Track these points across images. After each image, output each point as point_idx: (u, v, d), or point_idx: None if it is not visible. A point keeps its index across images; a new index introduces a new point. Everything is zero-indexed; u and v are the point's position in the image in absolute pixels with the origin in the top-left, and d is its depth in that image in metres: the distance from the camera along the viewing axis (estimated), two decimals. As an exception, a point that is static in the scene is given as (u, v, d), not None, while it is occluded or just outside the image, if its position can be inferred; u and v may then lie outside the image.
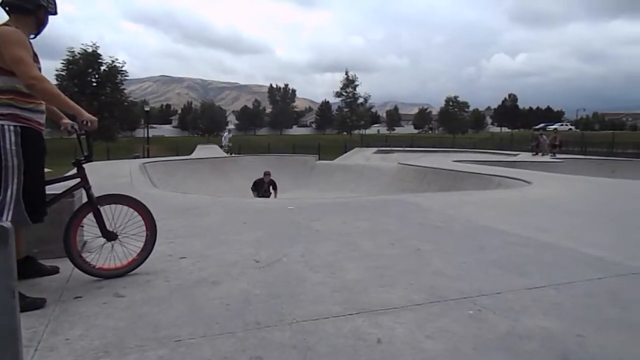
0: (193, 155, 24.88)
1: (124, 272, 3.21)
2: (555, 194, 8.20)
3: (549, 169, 16.48)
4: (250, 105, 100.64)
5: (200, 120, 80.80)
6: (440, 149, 32.88)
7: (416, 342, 2.27)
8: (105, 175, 10.90)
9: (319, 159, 23.31)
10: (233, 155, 25.26)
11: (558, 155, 24.43)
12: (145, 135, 38.03)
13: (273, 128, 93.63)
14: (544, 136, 26.39)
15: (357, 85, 72.61)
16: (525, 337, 2.36)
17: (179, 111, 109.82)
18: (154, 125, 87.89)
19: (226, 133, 31.19)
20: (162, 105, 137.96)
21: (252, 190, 13.48)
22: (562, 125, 75.81)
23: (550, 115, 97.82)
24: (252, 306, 2.71)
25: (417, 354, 2.15)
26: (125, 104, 44.60)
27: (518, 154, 25.90)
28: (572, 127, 75.54)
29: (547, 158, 23.12)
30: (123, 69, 42.06)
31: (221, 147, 28.35)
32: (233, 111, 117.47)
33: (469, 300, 2.84)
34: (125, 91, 44.51)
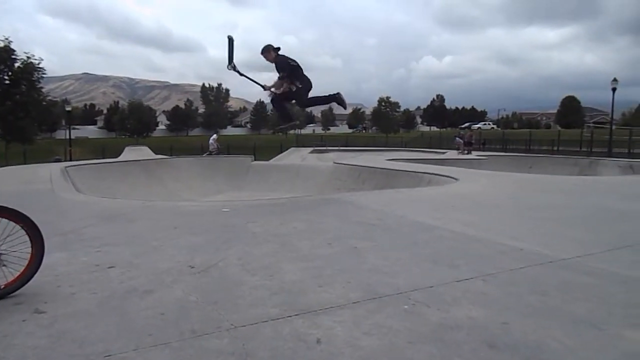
0: (121, 158, 23.70)
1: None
2: (480, 189, 8.69)
3: (474, 166, 17.45)
4: (182, 105, 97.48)
5: (128, 120, 77.04)
6: (374, 148, 33.75)
7: (354, 340, 2.31)
8: (21, 181, 10.09)
9: (255, 160, 23.05)
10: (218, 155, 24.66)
11: (482, 152, 25.99)
12: (67, 137, 35.66)
13: (206, 128, 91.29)
14: (458, 138, 28.20)
15: (292, 85, 72.68)
16: (456, 327, 2.47)
17: (105, 111, 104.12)
18: (77, 126, 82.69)
19: (215, 135, 29.63)
20: (85, 104, 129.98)
21: None
22: (485, 124, 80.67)
23: (475, 114, 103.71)
24: (188, 314, 2.62)
25: (355, 352, 2.19)
26: (44, 103, 41.42)
27: (446, 152, 27.22)
28: (494, 126, 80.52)
29: (469, 155, 24.54)
30: (40, 65, 39.04)
31: (209, 152, 26.45)
32: (164, 111, 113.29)
33: (403, 295, 2.93)
34: (44, 90, 41.33)
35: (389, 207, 6.53)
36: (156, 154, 27.35)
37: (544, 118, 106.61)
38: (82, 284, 3.12)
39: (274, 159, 27.85)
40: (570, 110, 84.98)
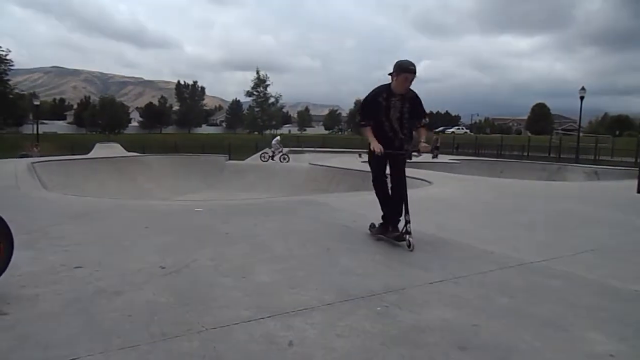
0: (91, 155, 23.13)
1: None
2: (453, 193, 8.83)
3: (447, 170, 17.72)
4: (155, 102, 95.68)
5: (99, 116, 75.15)
6: (350, 150, 33.88)
7: (327, 342, 2.31)
8: (-15, 176, 9.71)
9: (230, 159, 22.85)
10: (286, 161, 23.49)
11: (455, 157, 26.47)
12: (35, 132, 34.55)
13: (181, 126, 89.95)
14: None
15: (269, 84, 72.45)
16: (428, 329, 2.50)
17: (75, 106, 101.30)
18: (45, 121, 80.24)
19: (278, 137, 28.41)
20: (54, 99, 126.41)
21: None
22: (459, 128, 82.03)
23: (449, 119, 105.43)
24: (158, 316, 2.57)
25: (328, 354, 2.19)
26: (11, 96, 40.02)
27: (421, 155, 27.55)
28: (468, 131, 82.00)
29: (442, 159, 24.97)
30: (7, 57, 37.75)
31: (272, 156, 25.00)
32: (137, 108, 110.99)
33: (377, 297, 2.95)
34: (10, 82, 39.94)
35: (364, 209, 6.55)
36: (128, 151, 26.78)
37: (515, 124, 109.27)
38: (48, 285, 3.02)
39: (249, 158, 27.66)
40: (540, 117, 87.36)
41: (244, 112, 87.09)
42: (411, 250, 4.08)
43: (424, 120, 4.61)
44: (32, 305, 2.68)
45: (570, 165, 25.27)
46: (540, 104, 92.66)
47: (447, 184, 10.32)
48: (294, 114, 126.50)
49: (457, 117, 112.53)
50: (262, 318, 2.57)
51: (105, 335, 2.31)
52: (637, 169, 11.58)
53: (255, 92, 72.09)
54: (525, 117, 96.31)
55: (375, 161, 4.59)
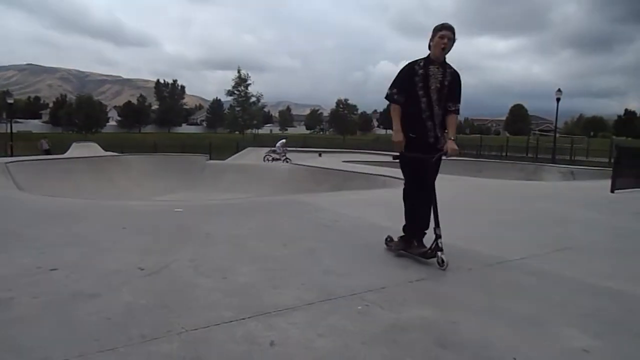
0: (68, 154, 22.64)
1: None
2: (433, 192, 8.92)
3: (427, 169, 17.89)
4: (134, 101, 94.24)
5: (75, 115, 73.62)
6: (331, 150, 33.92)
7: (308, 342, 2.31)
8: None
9: (210, 159, 22.62)
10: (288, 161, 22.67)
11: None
12: (9, 131, 33.66)
13: (160, 126, 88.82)
14: None
15: (250, 84, 71.97)
16: (408, 327, 2.52)
17: (51, 105, 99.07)
18: (20, 120, 78.32)
19: (284, 140, 27.96)
20: (29, 97, 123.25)
21: None
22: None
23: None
24: (137, 318, 2.53)
25: (309, 353, 2.19)
26: (-18, 94, 38.89)
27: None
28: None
29: None
30: (-21, 54, 36.65)
31: (277, 159, 24.64)
32: (115, 106, 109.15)
33: (357, 297, 2.97)
34: (-18, 80, 38.84)
35: (345, 208, 6.59)
36: (106, 151, 26.28)
37: (494, 124, 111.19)
38: (22, 288, 2.95)
39: (230, 158, 27.44)
40: (518, 117, 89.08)
41: (225, 112, 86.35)
42: (444, 269, 3.54)
43: (457, 105, 3.80)
44: (7, 309, 2.61)
45: (547, 165, 25.79)
46: (518, 105, 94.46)
47: (427, 183, 10.43)
48: (275, 113, 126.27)
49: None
50: (244, 318, 2.56)
51: (82, 339, 2.26)
52: (611, 169, 11.89)
53: (236, 92, 71.55)
54: (504, 118, 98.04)
55: (406, 163, 3.86)
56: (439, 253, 3.60)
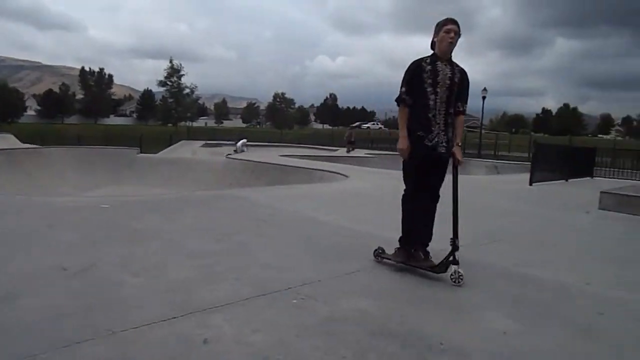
0: (-22, 146, 20.72)
1: None
2: (368, 186, 9.16)
3: (363, 164, 18.30)
4: (56, 89, 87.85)
5: (-12, 103, 67.48)
6: (268, 144, 33.69)
7: (244, 337, 2.29)
8: None
9: (141, 152, 21.67)
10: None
11: (370, 151, 27.40)
12: None
13: (85, 116, 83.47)
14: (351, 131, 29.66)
15: (183, 75, 69.67)
16: (343, 319, 2.57)
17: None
18: None
19: (244, 140, 27.05)
20: None
21: None
22: (374, 124, 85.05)
23: (365, 114, 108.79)
24: (60, 322, 2.38)
25: (244, 349, 2.17)
26: None
27: (337, 150, 28.17)
28: (382, 126, 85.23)
29: (357, 153, 25.78)
30: None
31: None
32: (34, 95, 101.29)
33: (293, 290, 2.98)
34: None
35: (282, 202, 6.58)
36: (24, 142, 24.33)
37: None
38: None
39: (162, 152, 26.42)
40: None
41: (157, 103, 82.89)
42: (460, 285, 3.23)
43: (465, 106, 3.63)
44: None
45: (474, 160, 27.24)
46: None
47: (362, 177, 10.67)
48: (210, 106, 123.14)
49: (373, 113, 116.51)
50: (176, 317, 2.48)
51: (-5, 346, 2.09)
52: (530, 163, 12.80)
53: (168, 82, 68.99)
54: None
55: (410, 165, 3.57)
56: (455, 267, 3.28)
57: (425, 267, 3.48)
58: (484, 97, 33.45)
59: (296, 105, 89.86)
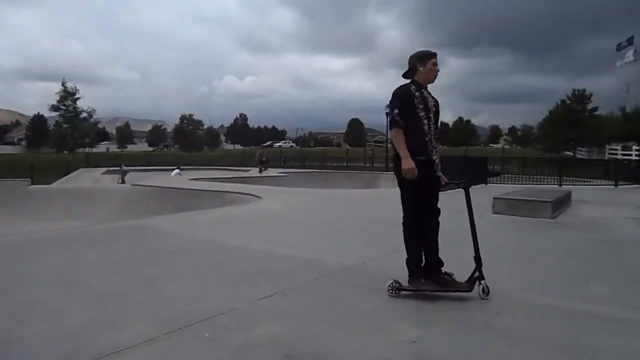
0: None
1: None
2: (281, 206, 9.18)
3: (276, 183, 18.34)
4: None
5: None
6: (176, 167, 32.49)
7: (152, 380, 2.17)
8: None
9: (32, 184, 19.74)
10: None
11: (283, 170, 27.58)
12: None
13: (-36, 146, 74.35)
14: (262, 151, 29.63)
15: (79, 97, 64.91)
16: (257, 346, 2.55)
17: None
18: None
19: (178, 170, 26.10)
20: None
21: None
22: (285, 142, 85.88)
23: (276, 133, 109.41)
24: None
25: (154, 393, 2.06)
26: None
27: (250, 170, 27.97)
28: (294, 144, 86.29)
29: (269, 173, 25.85)
30: None
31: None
32: None
33: (206, 322, 2.88)
34: None
35: (192, 230, 6.38)
36: None
37: (336, 137, 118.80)
38: None
39: (58, 181, 24.33)
40: (356, 130, 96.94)
41: (50, 129, 76.22)
42: (488, 299, 3.36)
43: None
44: None
45: (381, 174, 28.56)
46: (355, 119, 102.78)
47: (275, 197, 10.68)
48: (112, 130, 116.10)
49: (284, 132, 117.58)
50: (75, 367, 2.29)
51: None
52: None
53: (62, 107, 63.84)
54: (344, 131, 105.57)
55: (413, 188, 3.51)
56: (483, 282, 3.39)
57: (463, 289, 3.42)
58: (387, 113, 35.31)
59: (205, 127, 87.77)
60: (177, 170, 26.78)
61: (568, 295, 3.55)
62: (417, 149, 3.47)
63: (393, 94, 3.58)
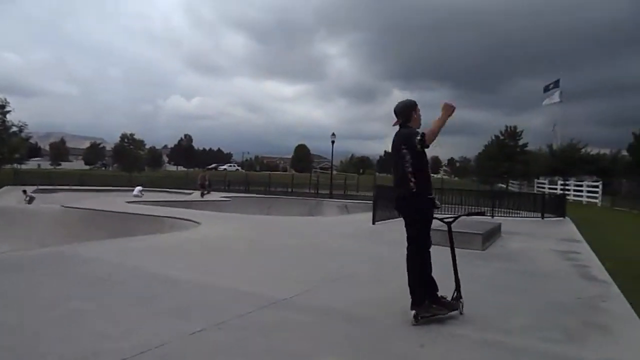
0: None
1: None
2: (220, 233, 9.01)
3: (218, 208, 18.00)
4: None
5: None
6: (115, 188, 31.15)
7: None
8: None
9: (-51, 202, 18.15)
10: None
11: (226, 194, 27.14)
12: None
13: None
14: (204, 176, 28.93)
15: (9, 111, 60.93)
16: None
17: None
18: None
19: (140, 187, 25.55)
20: None
21: None
22: (231, 165, 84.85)
23: (221, 156, 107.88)
24: None
25: None
26: None
27: (192, 193, 27.30)
28: (239, 168, 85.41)
29: (212, 197, 25.39)
30: None
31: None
32: None
33: (131, 361, 2.76)
34: None
35: (124, 258, 6.10)
36: None
37: (282, 162, 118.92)
38: None
39: (-21, 201, 22.50)
40: (302, 156, 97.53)
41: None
42: (463, 314, 3.96)
43: None
44: None
45: (326, 200, 28.84)
46: (302, 145, 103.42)
47: (215, 223, 10.47)
48: (45, 145, 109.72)
49: (230, 155, 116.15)
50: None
51: None
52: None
53: (-10, 120, 59.62)
54: (291, 156, 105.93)
55: (428, 223, 3.90)
56: (462, 300, 4.01)
57: (456, 308, 3.92)
58: (332, 142, 36.03)
59: (147, 147, 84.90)
60: (140, 188, 25.96)
61: (487, 327, 3.72)
62: (427, 188, 3.85)
63: (407, 133, 3.87)
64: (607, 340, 3.59)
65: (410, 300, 3.75)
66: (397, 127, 4.03)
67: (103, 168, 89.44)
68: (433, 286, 3.84)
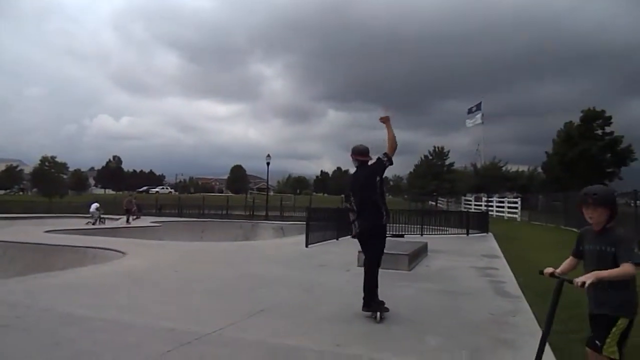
0: None
1: None
2: (146, 264, 8.64)
3: (147, 234, 17.29)
4: None
5: None
6: (32, 215, 29.01)
7: None
8: None
9: None
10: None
11: (157, 218, 26.12)
12: None
13: None
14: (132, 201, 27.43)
15: None
16: None
17: None
18: None
19: (97, 204, 25.67)
20: None
21: None
22: (163, 188, 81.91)
23: (153, 178, 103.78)
24: None
25: None
26: None
27: (120, 218, 25.99)
28: (172, 190, 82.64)
29: (141, 222, 24.37)
30: None
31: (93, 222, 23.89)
32: None
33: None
34: None
35: (36, 297, 5.66)
36: None
37: (218, 183, 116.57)
38: None
39: None
40: (238, 177, 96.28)
41: None
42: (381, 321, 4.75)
43: None
44: None
45: (262, 223, 28.62)
46: (237, 165, 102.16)
47: (141, 253, 10.04)
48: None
49: (162, 177, 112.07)
50: None
51: None
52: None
53: None
54: (226, 177, 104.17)
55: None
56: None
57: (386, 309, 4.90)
58: (268, 163, 36.02)
59: (71, 169, 79.88)
60: (97, 205, 25.15)
61: (399, 348, 3.87)
62: (386, 211, 4.96)
63: (377, 164, 5.03)
64: (511, 354, 3.85)
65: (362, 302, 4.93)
66: (353, 168, 5.33)
67: (21, 193, 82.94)
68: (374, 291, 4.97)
